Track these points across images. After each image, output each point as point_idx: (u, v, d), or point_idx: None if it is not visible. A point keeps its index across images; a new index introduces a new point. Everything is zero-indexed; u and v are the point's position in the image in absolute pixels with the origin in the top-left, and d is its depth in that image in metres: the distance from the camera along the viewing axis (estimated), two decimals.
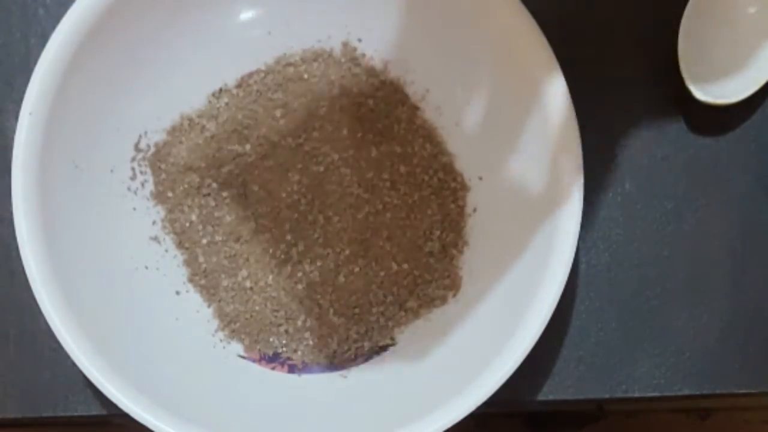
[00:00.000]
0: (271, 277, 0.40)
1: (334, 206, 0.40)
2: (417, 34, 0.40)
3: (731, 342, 0.42)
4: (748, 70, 0.41)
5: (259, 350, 0.40)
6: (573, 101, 0.36)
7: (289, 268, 0.40)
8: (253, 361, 0.40)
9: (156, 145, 0.41)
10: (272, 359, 0.40)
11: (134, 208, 0.40)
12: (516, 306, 0.36)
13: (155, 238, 0.40)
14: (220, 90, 0.41)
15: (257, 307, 0.40)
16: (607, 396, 0.42)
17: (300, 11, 0.40)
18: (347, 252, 0.40)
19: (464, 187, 0.40)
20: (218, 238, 0.40)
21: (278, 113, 0.40)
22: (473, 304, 0.39)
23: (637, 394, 0.42)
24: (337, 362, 0.40)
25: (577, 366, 0.42)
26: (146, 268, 0.40)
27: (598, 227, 0.42)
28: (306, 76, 0.41)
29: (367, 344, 0.40)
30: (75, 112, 0.37)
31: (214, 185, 0.40)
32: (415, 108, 0.41)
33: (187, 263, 0.41)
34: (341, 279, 0.40)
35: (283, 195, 0.40)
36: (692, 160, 0.42)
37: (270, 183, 0.40)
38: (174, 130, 0.41)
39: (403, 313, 0.40)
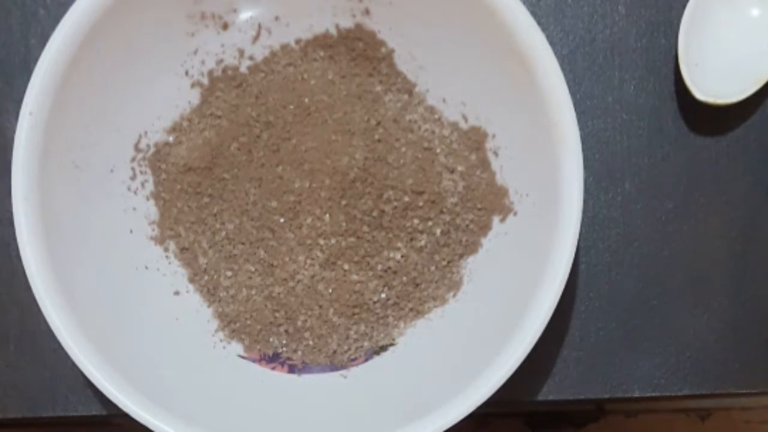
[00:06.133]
0: (271, 277, 0.40)
1: (333, 204, 0.40)
2: (421, 36, 0.40)
3: (731, 342, 0.42)
4: (748, 70, 0.41)
5: (259, 350, 0.40)
6: (573, 101, 0.36)
7: (289, 267, 0.40)
8: (253, 361, 0.40)
9: (156, 145, 0.41)
10: (272, 359, 0.40)
11: (134, 208, 0.40)
12: (516, 306, 0.36)
13: (155, 238, 0.40)
14: (221, 90, 0.41)
15: (257, 307, 0.40)
16: (607, 396, 0.42)
17: (299, 11, 0.40)
18: (345, 249, 0.40)
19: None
20: (218, 238, 0.40)
21: (278, 113, 0.40)
22: (473, 304, 0.39)
23: (637, 394, 0.42)
24: (337, 362, 0.40)
25: (577, 366, 0.42)
26: (146, 268, 0.40)
27: (598, 227, 0.42)
28: (306, 76, 0.41)
29: (367, 344, 0.40)
30: (75, 112, 0.37)
31: (215, 185, 0.40)
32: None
33: (187, 263, 0.41)
34: (341, 278, 0.40)
35: (284, 195, 0.40)
36: (692, 160, 0.42)
37: (270, 183, 0.40)
38: (174, 130, 0.41)
39: (402, 313, 0.40)
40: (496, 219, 0.40)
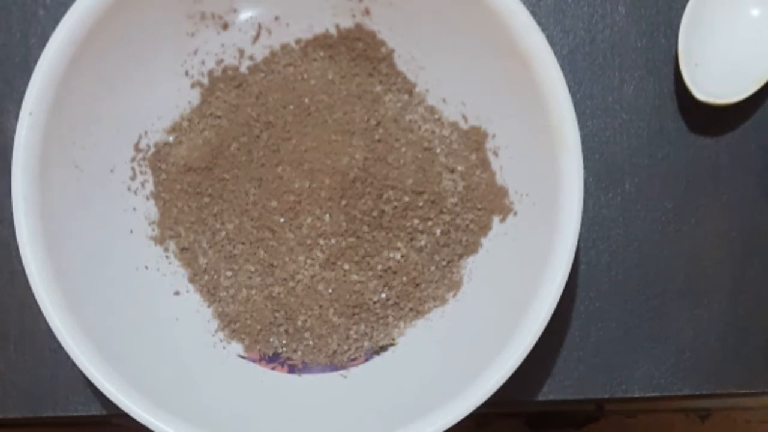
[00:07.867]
0: (271, 277, 0.40)
1: (333, 204, 0.40)
2: (421, 36, 0.40)
3: (731, 342, 0.42)
4: (748, 70, 0.41)
5: (259, 350, 0.40)
6: (573, 101, 0.36)
7: (289, 267, 0.40)
8: (253, 361, 0.40)
9: (156, 145, 0.41)
10: (272, 359, 0.40)
11: (134, 208, 0.40)
12: (516, 306, 0.36)
13: (155, 238, 0.40)
14: (221, 90, 0.41)
15: (257, 307, 0.40)
16: (607, 396, 0.42)
17: (299, 11, 0.40)
18: (345, 249, 0.40)
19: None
20: (218, 238, 0.40)
21: (278, 113, 0.40)
22: (473, 304, 0.39)
23: (637, 394, 0.42)
24: (337, 362, 0.40)
25: (577, 366, 0.42)
26: (146, 268, 0.40)
27: (598, 227, 0.42)
28: (306, 76, 0.41)
29: (367, 344, 0.40)
30: (75, 113, 0.37)
31: (215, 185, 0.40)
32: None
33: (188, 263, 0.41)
34: (341, 278, 0.40)
35: (284, 195, 0.40)
36: (692, 160, 0.42)
37: (270, 183, 0.40)
38: (174, 130, 0.41)
39: (402, 313, 0.40)
40: (496, 219, 0.40)
